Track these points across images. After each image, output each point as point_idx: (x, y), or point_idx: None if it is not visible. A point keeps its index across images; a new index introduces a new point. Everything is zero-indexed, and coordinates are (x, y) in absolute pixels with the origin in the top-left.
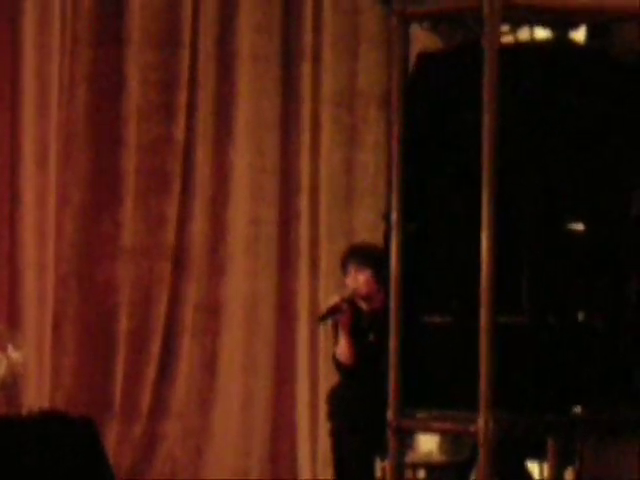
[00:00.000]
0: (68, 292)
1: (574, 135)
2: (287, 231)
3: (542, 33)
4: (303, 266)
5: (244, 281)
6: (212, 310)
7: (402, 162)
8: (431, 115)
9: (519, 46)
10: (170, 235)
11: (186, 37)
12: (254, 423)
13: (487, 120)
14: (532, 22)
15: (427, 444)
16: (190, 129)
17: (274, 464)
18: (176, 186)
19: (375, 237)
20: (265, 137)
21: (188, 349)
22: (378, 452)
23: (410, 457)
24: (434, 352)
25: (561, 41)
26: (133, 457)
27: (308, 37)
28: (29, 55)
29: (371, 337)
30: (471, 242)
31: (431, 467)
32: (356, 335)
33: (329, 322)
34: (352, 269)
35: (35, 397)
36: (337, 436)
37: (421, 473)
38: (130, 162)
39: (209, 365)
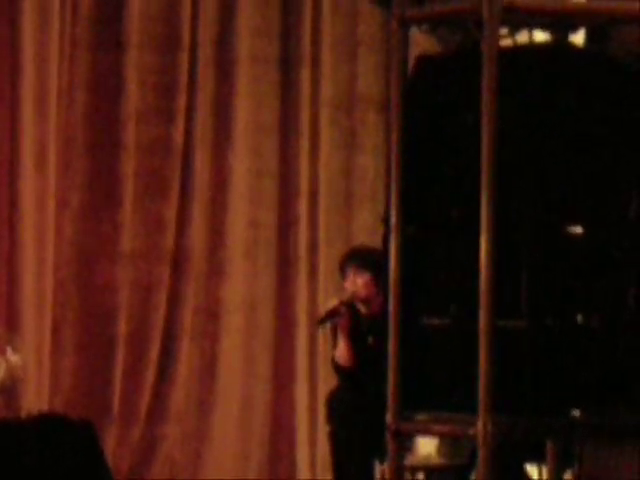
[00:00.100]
0: (67, 295)
1: (573, 138)
2: (286, 235)
3: (541, 36)
4: (302, 269)
5: (243, 284)
6: (211, 313)
7: (401, 165)
8: (430, 118)
9: (518, 49)
10: (169, 238)
11: (185, 40)
12: (253, 426)
13: (486, 123)
14: (531, 25)
15: (426, 447)
16: (189, 132)
17: (273, 467)
18: (175, 189)
19: (374, 240)
20: (264, 140)
21: (187, 352)
22: (377, 455)
23: (409, 460)
24: (433, 355)
25: (560, 44)
26: (132, 460)
27: (307, 40)
28: (28, 59)
29: (370, 340)
30: (470, 245)
31: (430, 470)
32: (355, 338)
33: (328, 325)
34: (351, 272)
35: (34, 400)
36: (336, 439)
37: (420, 476)
38: (129, 165)
39: (208, 368)
